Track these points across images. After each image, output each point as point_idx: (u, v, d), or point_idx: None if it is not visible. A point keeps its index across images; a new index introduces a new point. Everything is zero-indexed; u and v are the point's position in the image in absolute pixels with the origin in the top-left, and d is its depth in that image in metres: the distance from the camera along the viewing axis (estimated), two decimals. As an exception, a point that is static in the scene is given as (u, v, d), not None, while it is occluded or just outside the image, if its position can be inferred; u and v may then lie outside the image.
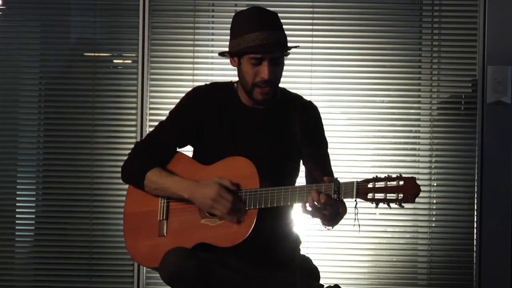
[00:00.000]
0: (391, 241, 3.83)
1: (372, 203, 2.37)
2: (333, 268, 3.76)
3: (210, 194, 2.49)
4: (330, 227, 2.51)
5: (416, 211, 3.81)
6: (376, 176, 2.38)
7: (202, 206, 2.53)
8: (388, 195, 2.35)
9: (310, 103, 2.74)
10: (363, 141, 3.83)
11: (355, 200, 2.39)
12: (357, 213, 2.41)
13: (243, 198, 2.49)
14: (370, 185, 2.37)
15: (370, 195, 2.36)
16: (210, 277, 2.41)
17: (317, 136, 2.71)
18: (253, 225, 2.46)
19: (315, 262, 2.65)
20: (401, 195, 2.34)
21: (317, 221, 2.49)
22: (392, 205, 2.35)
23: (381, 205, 2.36)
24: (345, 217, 2.56)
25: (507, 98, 3.76)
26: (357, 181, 2.39)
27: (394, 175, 2.36)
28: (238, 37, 2.55)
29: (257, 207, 2.47)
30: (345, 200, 2.44)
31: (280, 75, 2.60)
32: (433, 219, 3.84)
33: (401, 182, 2.34)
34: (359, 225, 2.42)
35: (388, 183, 2.35)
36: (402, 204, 2.34)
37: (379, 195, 2.35)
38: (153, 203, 2.63)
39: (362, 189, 2.37)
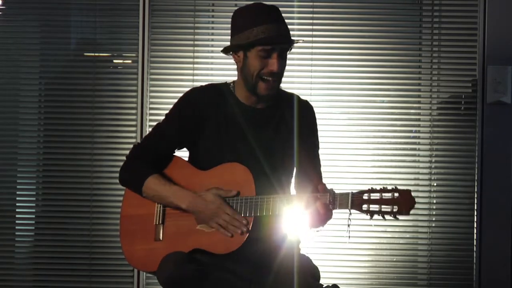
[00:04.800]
0: (391, 241, 3.84)
1: (367, 214, 2.38)
2: (333, 268, 3.76)
3: (211, 208, 2.49)
4: (320, 229, 2.50)
5: (416, 211, 3.81)
6: (372, 187, 2.38)
7: (199, 219, 2.52)
8: (383, 207, 2.35)
9: (307, 103, 2.74)
10: (363, 141, 3.83)
11: (349, 211, 2.39)
12: (350, 224, 2.41)
13: (239, 206, 2.49)
14: (365, 197, 2.37)
15: (365, 207, 2.37)
16: (208, 280, 2.41)
17: (312, 137, 2.71)
18: (248, 233, 2.46)
19: (315, 262, 2.65)
20: (396, 208, 2.35)
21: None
22: (387, 217, 2.35)
23: (375, 216, 2.37)
24: (344, 215, 2.56)
25: (507, 98, 3.77)
26: (352, 192, 2.39)
27: (389, 187, 2.37)
28: (245, 31, 2.53)
29: (252, 215, 2.47)
30: (339, 210, 2.43)
31: (284, 69, 2.60)
32: (433, 219, 3.84)
33: (396, 194, 2.35)
34: (349, 236, 2.44)
35: (383, 195, 2.36)
36: (397, 216, 2.35)
37: (374, 207, 2.36)
38: (149, 207, 2.62)
39: (357, 201, 2.38)
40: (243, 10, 2.61)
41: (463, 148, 3.82)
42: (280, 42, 2.53)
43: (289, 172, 2.66)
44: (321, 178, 2.65)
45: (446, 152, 3.84)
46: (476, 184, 3.78)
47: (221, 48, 2.66)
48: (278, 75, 2.56)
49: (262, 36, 2.51)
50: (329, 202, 2.40)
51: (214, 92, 2.67)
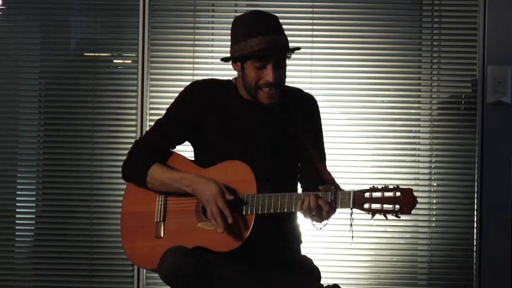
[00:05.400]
0: (391, 241, 3.83)
1: (368, 213, 2.38)
2: (333, 268, 3.76)
3: (206, 193, 2.48)
4: (322, 226, 2.50)
5: (416, 211, 3.78)
6: (373, 186, 2.39)
7: (201, 202, 2.53)
8: (384, 206, 2.36)
9: (310, 96, 2.75)
10: (363, 141, 3.83)
11: (351, 210, 2.39)
12: (352, 223, 2.42)
13: (240, 204, 2.49)
14: (367, 195, 2.37)
15: (366, 205, 2.37)
16: (209, 275, 2.41)
17: (316, 130, 2.71)
18: (249, 231, 2.46)
19: (315, 262, 2.65)
20: (397, 206, 2.35)
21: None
22: (389, 216, 2.35)
23: (377, 215, 2.37)
24: (344, 217, 2.56)
25: (507, 98, 3.77)
26: (354, 190, 2.40)
27: (391, 186, 2.37)
28: (240, 42, 2.54)
29: (254, 213, 2.47)
30: (340, 210, 2.43)
31: (284, 77, 2.60)
32: (433, 219, 3.84)
33: (398, 193, 2.35)
34: (352, 236, 2.44)
35: (384, 193, 2.36)
36: (399, 215, 2.35)
37: (375, 206, 2.36)
38: (150, 204, 2.63)
39: (358, 199, 2.38)
40: (240, 20, 2.61)
41: (463, 148, 3.82)
42: (272, 55, 2.52)
43: (292, 167, 2.67)
44: (326, 170, 2.65)
45: (446, 152, 3.84)
46: (476, 184, 3.77)
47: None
48: (276, 85, 2.55)
49: (256, 49, 2.51)
50: (331, 200, 2.40)
51: (216, 87, 2.68)
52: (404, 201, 2.35)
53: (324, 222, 2.47)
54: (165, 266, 2.45)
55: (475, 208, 3.77)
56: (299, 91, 2.74)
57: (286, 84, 2.72)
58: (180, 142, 2.71)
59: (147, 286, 3.80)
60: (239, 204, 2.49)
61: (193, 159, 2.71)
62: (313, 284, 2.50)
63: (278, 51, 2.54)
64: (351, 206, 2.39)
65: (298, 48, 2.64)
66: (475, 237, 3.77)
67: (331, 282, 2.61)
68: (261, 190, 2.49)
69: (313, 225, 2.50)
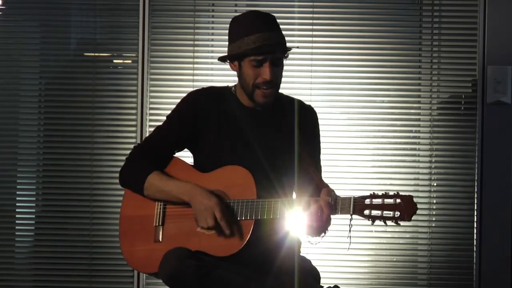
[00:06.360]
0: (391, 241, 3.84)
1: (369, 219, 2.38)
2: (333, 268, 3.76)
3: (203, 205, 2.49)
4: (319, 240, 2.50)
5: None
6: (373, 192, 2.39)
7: (194, 212, 2.53)
8: (385, 212, 2.36)
9: (310, 107, 2.74)
10: (363, 141, 3.83)
11: (351, 216, 2.39)
12: (351, 229, 2.42)
13: (240, 208, 2.49)
14: (367, 202, 2.37)
15: (366, 212, 2.37)
16: (209, 277, 2.41)
17: (314, 140, 2.71)
18: (248, 236, 2.46)
19: (315, 262, 2.65)
20: (397, 213, 2.35)
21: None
22: (389, 222, 2.35)
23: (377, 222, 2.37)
24: (344, 217, 2.55)
25: (507, 98, 3.77)
26: (354, 197, 2.39)
27: (391, 193, 2.37)
28: (237, 41, 2.54)
29: (253, 218, 2.47)
30: (340, 215, 2.43)
31: (281, 77, 2.60)
32: (433, 219, 3.84)
33: (398, 200, 2.35)
34: (350, 242, 2.44)
35: (385, 200, 2.36)
36: (399, 222, 2.35)
37: (375, 212, 2.36)
38: (149, 208, 2.62)
39: (358, 206, 2.38)
40: (237, 19, 2.61)
41: (463, 148, 3.82)
42: (269, 52, 2.52)
43: (290, 173, 2.66)
44: (322, 180, 2.65)
45: (446, 152, 3.84)
46: (476, 184, 3.78)
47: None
48: (273, 83, 2.55)
49: (253, 46, 2.51)
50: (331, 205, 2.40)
51: (215, 94, 2.68)
52: (404, 208, 2.34)
53: (318, 239, 2.48)
54: (167, 267, 2.44)
55: (475, 208, 3.77)
56: (299, 101, 2.73)
57: (287, 93, 2.73)
58: (180, 149, 2.71)
59: (147, 286, 3.80)
60: (239, 209, 2.49)
61: (193, 164, 2.71)
62: (313, 285, 2.50)
63: (275, 48, 2.54)
64: (351, 212, 2.38)
65: (296, 47, 2.64)
66: (475, 237, 3.77)
67: (331, 283, 2.61)
68: (261, 195, 2.49)
69: (309, 241, 2.51)
